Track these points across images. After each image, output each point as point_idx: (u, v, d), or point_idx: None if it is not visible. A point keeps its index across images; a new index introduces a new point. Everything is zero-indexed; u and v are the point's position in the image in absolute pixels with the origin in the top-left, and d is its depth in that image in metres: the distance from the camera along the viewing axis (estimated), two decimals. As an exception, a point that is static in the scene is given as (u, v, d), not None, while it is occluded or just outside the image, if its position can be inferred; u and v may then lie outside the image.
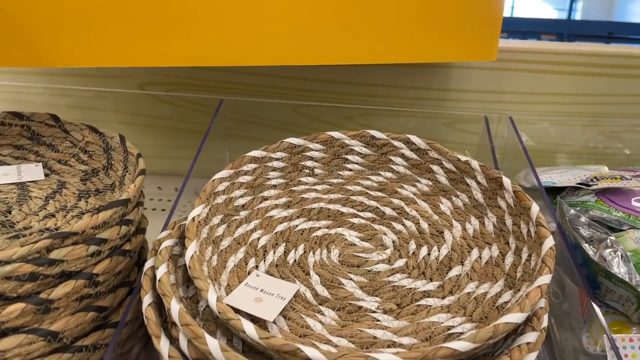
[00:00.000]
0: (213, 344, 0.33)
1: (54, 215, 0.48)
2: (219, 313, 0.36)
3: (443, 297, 0.42)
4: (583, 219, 0.54)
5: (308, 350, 0.33)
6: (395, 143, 0.54)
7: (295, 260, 0.46)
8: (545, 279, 0.37)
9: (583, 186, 0.61)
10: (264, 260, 0.46)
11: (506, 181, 0.48)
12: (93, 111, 0.81)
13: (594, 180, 0.61)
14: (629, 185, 0.60)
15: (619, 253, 0.48)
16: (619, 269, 0.47)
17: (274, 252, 0.47)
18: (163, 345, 0.37)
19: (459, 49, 0.62)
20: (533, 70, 0.74)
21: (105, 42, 0.53)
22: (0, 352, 0.37)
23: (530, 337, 0.36)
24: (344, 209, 0.52)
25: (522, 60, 0.74)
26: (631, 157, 0.74)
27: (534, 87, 0.76)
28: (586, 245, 0.50)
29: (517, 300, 0.37)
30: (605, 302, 0.49)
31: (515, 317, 0.35)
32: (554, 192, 0.64)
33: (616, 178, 0.61)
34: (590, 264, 0.49)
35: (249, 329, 0.34)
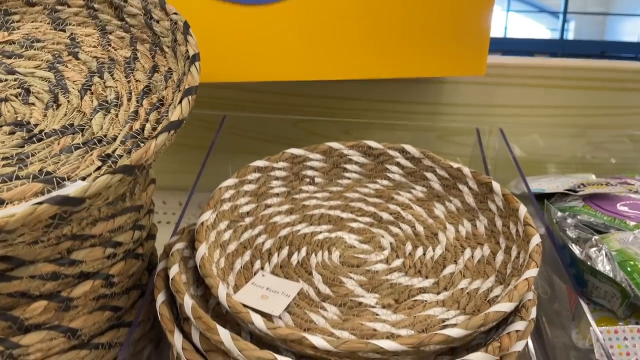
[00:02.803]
0: (224, 334, 0.36)
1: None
2: (229, 307, 0.38)
3: (438, 293, 0.45)
4: (570, 220, 0.57)
5: (313, 339, 0.35)
6: (391, 152, 0.57)
7: (298, 262, 0.49)
8: (532, 272, 0.40)
9: (571, 192, 0.63)
10: (269, 262, 0.48)
11: (496, 185, 0.51)
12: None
13: (581, 186, 0.64)
14: (614, 191, 0.63)
15: (604, 252, 0.51)
16: (604, 266, 0.50)
17: (278, 255, 0.49)
18: (177, 338, 0.39)
19: (450, 65, 0.66)
20: (522, 84, 0.78)
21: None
22: (23, 346, 0.40)
23: (519, 325, 0.39)
24: (344, 215, 0.54)
25: (512, 75, 0.78)
26: (617, 166, 0.77)
27: (524, 100, 0.79)
28: (573, 245, 0.53)
29: (506, 293, 0.40)
30: (592, 300, 0.52)
31: (504, 307, 0.38)
32: (543, 198, 0.67)
33: (602, 184, 0.64)
34: (577, 263, 0.52)
35: (257, 320, 0.37)
